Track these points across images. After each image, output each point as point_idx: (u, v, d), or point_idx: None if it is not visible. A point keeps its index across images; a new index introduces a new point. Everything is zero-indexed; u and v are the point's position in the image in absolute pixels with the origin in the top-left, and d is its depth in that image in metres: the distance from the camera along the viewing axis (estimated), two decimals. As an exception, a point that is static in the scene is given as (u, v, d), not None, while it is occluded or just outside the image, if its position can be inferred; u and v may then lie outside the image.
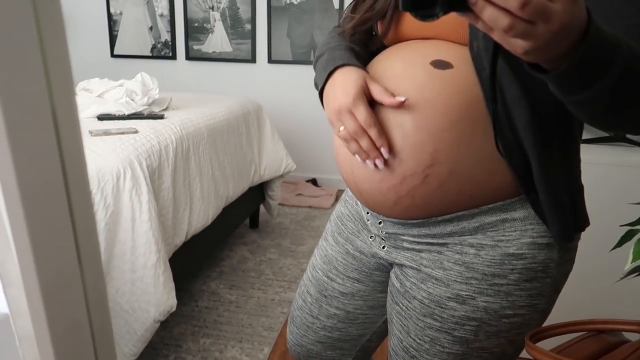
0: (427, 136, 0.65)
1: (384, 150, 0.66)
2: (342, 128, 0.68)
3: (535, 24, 0.44)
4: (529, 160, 0.65)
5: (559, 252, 0.70)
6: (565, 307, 1.01)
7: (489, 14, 0.44)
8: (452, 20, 0.67)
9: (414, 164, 0.66)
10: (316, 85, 0.76)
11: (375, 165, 0.68)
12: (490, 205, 0.69)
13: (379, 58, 0.75)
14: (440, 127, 0.65)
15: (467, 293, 0.71)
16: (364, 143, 0.66)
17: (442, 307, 0.73)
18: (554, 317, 0.78)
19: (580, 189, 0.72)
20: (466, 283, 0.71)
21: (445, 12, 0.45)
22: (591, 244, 1.25)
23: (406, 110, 0.66)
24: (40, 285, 0.34)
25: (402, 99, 0.64)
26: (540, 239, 0.69)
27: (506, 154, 0.65)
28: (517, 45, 0.46)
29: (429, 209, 0.71)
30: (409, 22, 0.73)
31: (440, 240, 0.73)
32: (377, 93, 0.66)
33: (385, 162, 0.67)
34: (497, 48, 0.61)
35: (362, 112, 0.66)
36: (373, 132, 0.66)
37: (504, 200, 0.69)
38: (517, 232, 0.69)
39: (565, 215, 0.67)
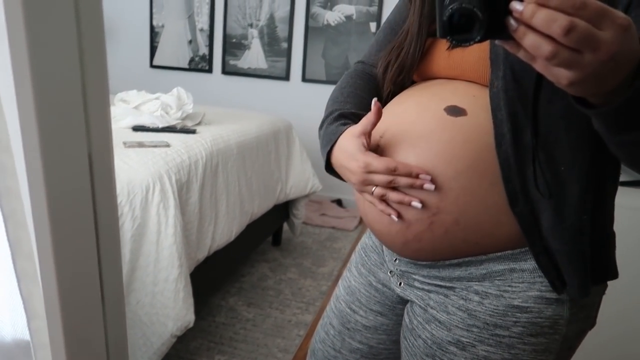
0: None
1: (423, 176, 0.64)
2: (374, 189, 0.67)
3: (581, 52, 0.41)
4: (536, 211, 0.64)
5: (570, 309, 0.67)
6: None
7: (530, 40, 0.41)
8: (475, 60, 0.67)
9: (419, 211, 0.66)
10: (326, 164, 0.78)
11: (422, 204, 0.67)
12: (499, 254, 0.67)
13: (397, 100, 0.76)
14: (446, 176, 0.64)
15: (468, 340, 0.69)
16: (403, 181, 0.65)
17: (443, 350, 0.71)
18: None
19: (608, 237, 0.70)
20: (467, 330, 0.69)
21: (483, 39, 0.43)
22: (622, 296, 1.21)
23: (414, 157, 0.66)
24: (63, 320, 0.34)
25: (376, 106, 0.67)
26: (549, 294, 0.66)
27: (511, 202, 0.63)
28: (561, 76, 0.43)
29: (436, 253, 0.70)
30: (436, 60, 0.74)
31: (449, 284, 0.72)
32: (364, 127, 0.68)
33: (423, 206, 0.66)
34: (538, 85, 0.60)
35: (378, 164, 0.65)
36: (401, 169, 0.65)
37: (514, 249, 0.67)
38: (524, 284, 0.67)
39: (584, 268, 0.65)
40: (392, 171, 0.65)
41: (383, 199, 0.68)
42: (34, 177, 0.31)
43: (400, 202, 0.66)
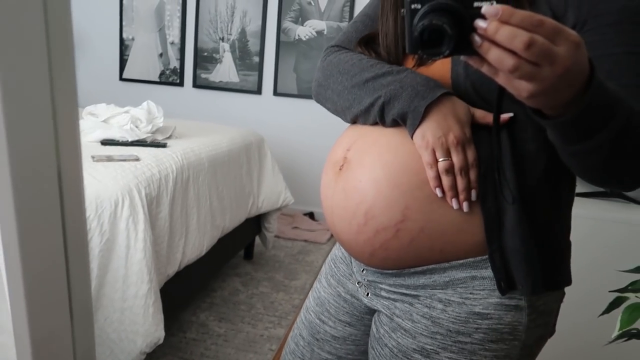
0: (399, 193, 0.68)
1: (474, 194, 0.66)
2: (442, 159, 0.65)
3: (540, 65, 0.45)
4: (501, 211, 0.67)
5: (528, 315, 0.70)
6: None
7: (494, 55, 0.45)
8: (438, 78, 0.70)
9: (387, 219, 0.68)
10: (387, 101, 0.70)
11: (460, 205, 0.67)
12: (461, 261, 0.70)
13: None
14: (412, 185, 0.67)
15: (432, 347, 0.71)
16: (463, 181, 0.65)
17: (408, 358, 0.73)
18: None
19: (564, 245, 0.74)
20: (431, 337, 0.71)
21: (452, 53, 0.47)
22: (582, 304, 1.25)
23: (381, 167, 0.69)
24: (31, 336, 0.34)
25: (509, 115, 0.64)
26: (508, 300, 0.69)
27: (482, 199, 0.67)
28: (522, 88, 0.47)
29: (402, 261, 0.72)
30: None
31: (413, 292, 0.74)
32: (483, 118, 0.66)
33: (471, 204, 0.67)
34: (500, 100, 0.63)
35: (473, 150, 0.66)
36: (474, 173, 0.66)
37: (475, 257, 0.69)
38: (485, 291, 0.69)
39: (536, 267, 0.68)
40: (472, 166, 0.65)
41: (437, 173, 0.66)
42: (2, 191, 0.31)
43: (459, 191, 0.66)
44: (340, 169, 0.75)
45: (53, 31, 0.33)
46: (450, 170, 0.65)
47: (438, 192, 0.66)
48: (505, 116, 0.65)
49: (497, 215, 0.67)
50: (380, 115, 0.71)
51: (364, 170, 0.71)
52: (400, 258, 0.71)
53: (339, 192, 0.74)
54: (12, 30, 0.30)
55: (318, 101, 0.85)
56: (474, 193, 0.66)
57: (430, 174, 0.66)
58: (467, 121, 0.66)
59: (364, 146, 0.72)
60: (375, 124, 0.73)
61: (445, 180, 0.66)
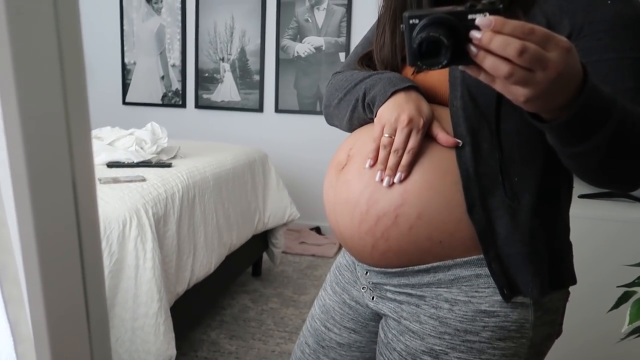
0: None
1: (399, 176, 0.69)
2: (386, 135, 0.70)
3: (533, 71, 0.47)
4: (492, 219, 0.68)
5: (535, 312, 0.70)
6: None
7: (490, 62, 0.48)
8: (436, 82, 0.73)
9: (386, 204, 0.70)
10: (367, 90, 0.76)
11: (382, 180, 0.70)
12: (465, 259, 0.70)
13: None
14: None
15: (441, 348, 0.71)
16: (394, 159, 0.69)
17: None
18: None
19: (564, 245, 0.74)
20: (440, 338, 0.71)
21: (449, 63, 0.50)
22: (591, 302, 1.25)
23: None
24: (50, 345, 0.35)
25: (458, 141, 0.68)
26: (514, 298, 0.69)
27: (469, 209, 0.68)
28: (518, 94, 0.50)
29: (404, 254, 0.72)
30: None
31: (419, 292, 0.74)
32: (436, 129, 0.70)
33: (391, 185, 0.70)
34: (499, 104, 0.66)
35: (418, 139, 0.69)
36: (407, 158, 0.68)
37: (479, 254, 0.70)
38: (490, 289, 0.69)
39: (539, 268, 0.69)
40: (410, 151, 0.68)
41: (379, 153, 0.71)
42: (22, 205, 0.33)
43: (386, 167, 0.70)
44: (342, 168, 0.77)
45: (67, 62, 0.35)
46: (387, 146, 0.69)
47: (368, 162, 0.71)
48: (451, 141, 0.68)
49: (488, 224, 0.68)
50: (362, 105, 0.77)
51: (363, 153, 0.73)
52: (401, 250, 0.72)
53: (340, 185, 0.76)
54: (29, 62, 0.32)
55: (329, 123, 0.91)
56: (398, 176, 0.69)
57: (371, 146, 0.71)
58: (426, 116, 0.69)
59: (365, 141, 0.74)
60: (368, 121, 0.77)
61: (381, 154, 0.70)
